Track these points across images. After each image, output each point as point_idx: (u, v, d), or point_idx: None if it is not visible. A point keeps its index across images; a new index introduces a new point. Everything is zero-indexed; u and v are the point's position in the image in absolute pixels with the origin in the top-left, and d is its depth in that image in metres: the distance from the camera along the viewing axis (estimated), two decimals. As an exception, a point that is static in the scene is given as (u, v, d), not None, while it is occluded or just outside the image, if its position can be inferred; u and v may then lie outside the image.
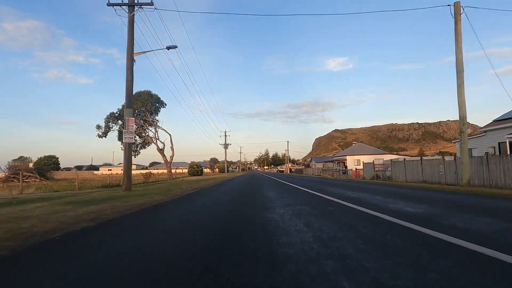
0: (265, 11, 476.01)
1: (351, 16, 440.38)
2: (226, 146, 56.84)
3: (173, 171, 64.19)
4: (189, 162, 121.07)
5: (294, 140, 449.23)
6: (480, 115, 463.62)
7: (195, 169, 46.62)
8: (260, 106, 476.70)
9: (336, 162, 51.67)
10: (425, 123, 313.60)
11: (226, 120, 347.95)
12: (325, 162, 60.01)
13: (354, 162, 50.15)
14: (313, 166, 73.42)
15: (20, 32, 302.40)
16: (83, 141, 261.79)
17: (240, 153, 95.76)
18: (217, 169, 79.71)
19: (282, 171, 74.08)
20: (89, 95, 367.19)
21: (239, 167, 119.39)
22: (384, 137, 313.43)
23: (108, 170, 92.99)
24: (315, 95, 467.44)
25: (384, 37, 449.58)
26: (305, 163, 77.29)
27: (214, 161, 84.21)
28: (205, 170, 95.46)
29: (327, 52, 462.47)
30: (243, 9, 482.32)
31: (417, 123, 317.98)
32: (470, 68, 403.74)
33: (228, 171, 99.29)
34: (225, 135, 57.22)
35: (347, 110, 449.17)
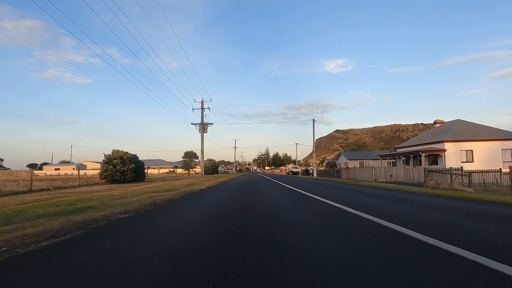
0: (265, 13, 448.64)
1: (351, 17, 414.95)
2: (203, 127, 29.62)
3: (83, 172, 36.39)
4: (172, 161, 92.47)
5: (293, 141, 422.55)
6: (479, 117, 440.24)
7: (118, 169, 18.80)
8: (259, 107, 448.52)
9: (414, 156, 24.61)
10: (430, 123, 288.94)
11: (224, 119, 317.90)
12: (383, 157, 32.22)
13: (459, 155, 23.04)
14: (342, 166, 46.41)
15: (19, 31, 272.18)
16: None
17: (235, 148, 68.54)
18: (199, 169, 52.07)
19: (297, 173, 47.02)
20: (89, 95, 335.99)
21: (235, 167, 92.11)
22: (388, 138, 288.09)
23: (56, 169, 65.67)
24: (314, 96, 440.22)
25: (383, 40, 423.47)
26: (330, 162, 50.51)
27: (190, 156, 53.73)
28: (182, 171, 67.34)
29: (326, 54, 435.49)
30: (243, 10, 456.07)
31: (422, 123, 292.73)
32: (470, 70, 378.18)
33: (218, 172, 71.62)
34: (202, 108, 30.00)
35: (346, 112, 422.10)
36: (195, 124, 29.53)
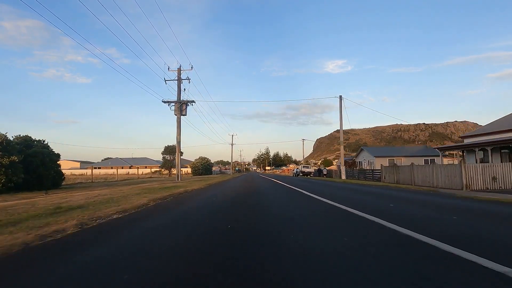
0: (265, 13, 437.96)
1: (351, 19, 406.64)
2: (179, 106, 19.64)
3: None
4: (160, 160, 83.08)
5: (293, 141, 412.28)
6: (480, 117, 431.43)
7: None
8: (259, 107, 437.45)
9: (502, 146, 14.77)
10: (432, 123, 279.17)
11: (228, 122, 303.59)
12: (443, 152, 21.79)
13: None
14: (364, 164, 36.88)
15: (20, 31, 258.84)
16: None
17: (232, 144, 58.58)
18: (184, 169, 41.65)
19: (308, 174, 37.16)
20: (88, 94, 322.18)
21: (232, 167, 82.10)
22: (389, 138, 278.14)
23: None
24: (314, 97, 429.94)
25: (383, 41, 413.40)
26: (348, 160, 40.72)
27: (171, 151, 42.05)
28: (162, 171, 56.27)
29: (326, 55, 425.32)
30: (242, 11, 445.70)
31: (424, 123, 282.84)
32: (470, 71, 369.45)
33: (212, 173, 61.29)
34: (179, 79, 19.98)
35: (346, 112, 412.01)
36: (168, 102, 19.54)
